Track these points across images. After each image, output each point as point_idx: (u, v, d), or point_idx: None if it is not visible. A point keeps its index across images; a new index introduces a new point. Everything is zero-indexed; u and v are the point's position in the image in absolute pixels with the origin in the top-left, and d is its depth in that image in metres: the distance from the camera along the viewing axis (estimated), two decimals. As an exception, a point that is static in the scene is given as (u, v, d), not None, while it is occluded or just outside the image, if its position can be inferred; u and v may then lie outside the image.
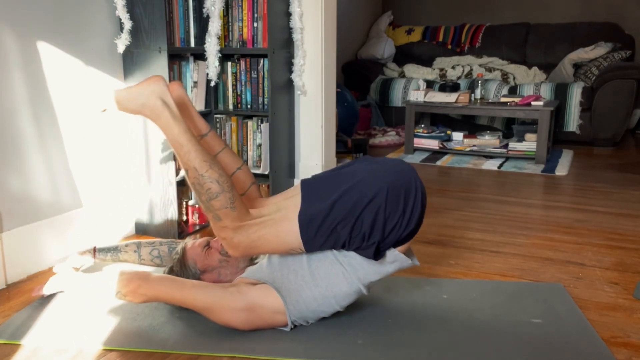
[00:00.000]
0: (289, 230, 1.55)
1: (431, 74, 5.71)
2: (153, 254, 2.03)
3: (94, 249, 2.07)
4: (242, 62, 2.68)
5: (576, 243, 2.45)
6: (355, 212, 1.52)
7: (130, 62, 2.50)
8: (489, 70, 5.48)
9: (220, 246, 1.81)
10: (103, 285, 1.67)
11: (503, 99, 4.40)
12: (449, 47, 5.95)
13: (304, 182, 1.63)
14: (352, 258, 1.61)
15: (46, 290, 1.84)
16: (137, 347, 1.59)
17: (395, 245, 1.60)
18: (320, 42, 2.66)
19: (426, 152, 4.57)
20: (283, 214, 1.58)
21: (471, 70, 5.55)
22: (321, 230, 1.54)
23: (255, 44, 2.62)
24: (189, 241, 1.87)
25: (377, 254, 1.58)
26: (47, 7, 2.16)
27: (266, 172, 2.67)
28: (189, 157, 1.55)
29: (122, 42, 2.41)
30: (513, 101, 4.30)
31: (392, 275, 1.88)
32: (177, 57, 2.58)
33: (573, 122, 4.78)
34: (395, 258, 1.62)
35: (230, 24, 2.66)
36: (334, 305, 1.65)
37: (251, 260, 1.82)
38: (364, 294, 1.67)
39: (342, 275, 1.62)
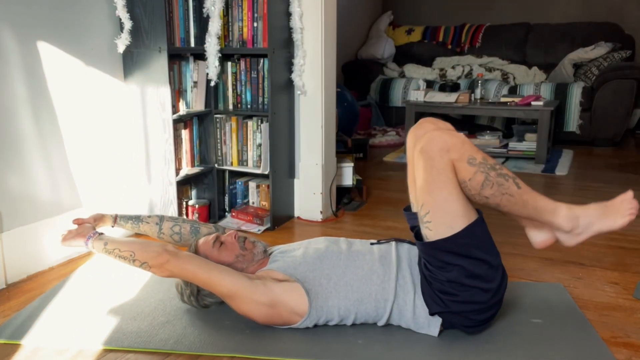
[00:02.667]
0: (454, 222, 1.51)
1: (431, 74, 5.71)
2: (174, 230, 1.97)
3: (115, 215, 1.98)
4: (242, 62, 2.68)
5: (576, 243, 2.45)
6: (474, 280, 1.53)
7: (130, 62, 2.50)
8: (489, 70, 5.48)
9: (236, 240, 1.77)
10: (127, 252, 1.64)
11: (503, 99, 4.40)
12: (449, 47, 5.95)
13: (483, 220, 1.59)
14: (405, 289, 1.62)
15: (67, 244, 1.76)
16: (137, 347, 1.59)
17: (446, 322, 1.61)
18: (320, 42, 2.66)
19: (426, 152, 4.56)
20: (467, 211, 1.53)
21: (471, 70, 5.55)
22: (453, 254, 1.52)
23: (255, 44, 2.62)
24: (200, 238, 1.85)
25: (435, 312, 1.59)
26: (47, 7, 2.16)
27: (266, 172, 2.67)
28: (505, 201, 1.54)
29: (122, 42, 2.41)
30: (513, 101, 4.30)
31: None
32: (177, 57, 2.58)
33: (573, 122, 4.78)
34: (435, 325, 1.62)
35: (230, 24, 2.66)
36: (349, 320, 1.66)
37: (265, 253, 1.81)
38: (378, 325, 1.67)
39: (374, 296, 1.62)
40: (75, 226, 1.82)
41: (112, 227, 1.97)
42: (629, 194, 1.58)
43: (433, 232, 1.53)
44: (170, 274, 1.63)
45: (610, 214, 1.57)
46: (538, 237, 1.69)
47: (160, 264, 1.61)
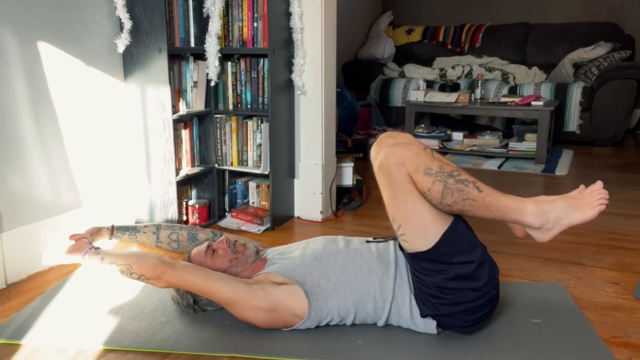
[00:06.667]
0: (426, 230, 1.51)
1: (431, 74, 5.70)
2: (172, 238, 1.98)
3: (112, 227, 1.99)
4: (242, 62, 2.68)
5: (576, 243, 2.45)
6: (460, 282, 1.53)
7: (130, 62, 2.50)
8: (489, 70, 5.47)
9: (227, 245, 1.79)
10: (124, 266, 1.65)
11: (503, 99, 4.40)
12: (449, 47, 5.95)
13: (460, 220, 1.57)
14: (403, 290, 1.62)
15: (63, 260, 1.78)
16: (137, 347, 1.59)
17: (441, 324, 1.62)
18: (320, 42, 2.66)
19: (426, 152, 4.56)
20: (437, 218, 1.52)
21: (471, 70, 5.55)
22: (435, 262, 1.52)
23: (255, 44, 2.62)
24: (192, 249, 1.86)
25: (426, 315, 1.59)
26: (47, 7, 2.16)
27: (266, 172, 2.67)
28: (481, 206, 1.51)
29: (122, 42, 2.41)
30: (513, 101, 4.30)
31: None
32: (177, 57, 2.58)
33: (573, 122, 4.78)
34: (430, 327, 1.62)
35: (230, 24, 2.65)
36: (349, 320, 1.66)
37: (258, 255, 1.81)
38: (378, 325, 1.67)
39: (372, 296, 1.62)
40: (73, 242, 1.83)
41: (110, 239, 1.99)
42: (598, 184, 1.56)
43: (409, 243, 1.55)
44: (168, 284, 1.64)
45: (579, 207, 1.53)
46: (517, 229, 1.68)
47: (158, 276, 1.62)
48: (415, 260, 1.56)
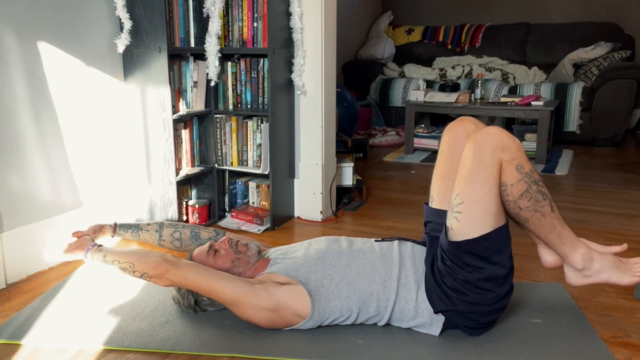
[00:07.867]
0: (484, 219, 1.50)
1: (431, 74, 5.71)
2: (174, 236, 1.98)
3: (115, 224, 1.97)
4: (242, 62, 2.68)
5: (576, 243, 2.45)
6: (488, 283, 1.54)
7: (130, 62, 2.50)
8: (489, 70, 5.48)
9: (229, 245, 1.78)
10: (127, 264, 1.64)
11: (503, 99, 4.40)
12: (449, 47, 5.95)
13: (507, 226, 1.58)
14: (407, 288, 1.62)
15: (66, 257, 1.78)
16: (137, 347, 1.59)
17: (448, 322, 1.61)
18: (320, 42, 2.66)
19: (426, 152, 4.56)
20: (499, 213, 1.52)
21: (471, 70, 5.55)
22: (476, 256, 1.52)
23: (255, 44, 2.62)
24: (194, 249, 1.86)
25: (440, 310, 1.59)
26: (47, 7, 2.16)
27: (266, 172, 2.67)
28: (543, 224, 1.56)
29: (122, 42, 2.41)
30: (513, 101, 4.30)
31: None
32: (177, 57, 2.58)
33: (573, 122, 4.78)
34: (437, 324, 1.61)
35: (230, 24, 2.66)
36: (350, 319, 1.66)
37: (260, 255, 1.81)
38: (379, 324, 1.67)
39: (375, 295, 1.62)
40: (75, 239, 1.83)
41: (112, 237, 1.98)
42: None
43: (461, 223, 1.52)
44: (170, 283, 1.64)
45: (622, 269, 1.64)
46: (549, 257, 1.70)
47: (160, 274, 1.61)
48: (458, 251, 1.53)
